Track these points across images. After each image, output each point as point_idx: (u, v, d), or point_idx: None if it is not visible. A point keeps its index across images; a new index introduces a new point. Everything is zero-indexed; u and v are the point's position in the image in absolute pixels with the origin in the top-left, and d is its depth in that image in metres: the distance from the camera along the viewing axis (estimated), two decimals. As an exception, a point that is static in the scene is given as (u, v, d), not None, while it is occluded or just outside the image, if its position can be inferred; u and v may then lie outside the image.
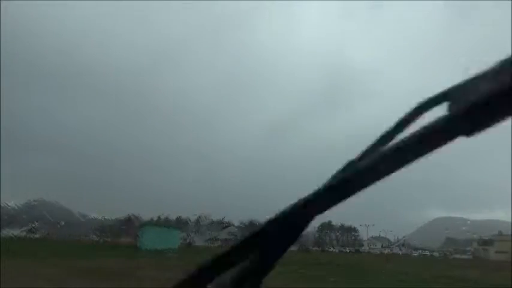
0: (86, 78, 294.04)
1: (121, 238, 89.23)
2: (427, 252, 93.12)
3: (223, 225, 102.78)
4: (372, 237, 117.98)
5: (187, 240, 74.83)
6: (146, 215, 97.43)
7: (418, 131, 0.33)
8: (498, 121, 0.32)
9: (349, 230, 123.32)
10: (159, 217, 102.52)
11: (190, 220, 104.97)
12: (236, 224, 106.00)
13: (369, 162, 0.38)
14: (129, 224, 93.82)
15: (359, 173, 0.40)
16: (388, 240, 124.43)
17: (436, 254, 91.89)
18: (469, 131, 0.33)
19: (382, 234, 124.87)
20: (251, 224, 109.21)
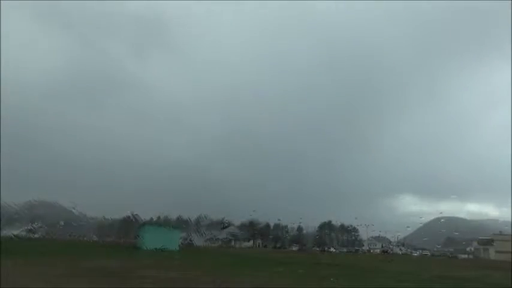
0: (81, 77, 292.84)
1: (121, 238, 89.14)
2: (427, 252, 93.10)
3: (223, 225, 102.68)
4: (372, 237, 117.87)
5: (187, 240, 74.76)
6: (146, 215, 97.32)
7: None
8: None
9: (349, 230, 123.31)
10: (159, 217, 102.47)
11: (190, 220, 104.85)
12: (236, 224, 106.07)
13: None
14: (129, 224, 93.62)
15: None
16: (388, 240, 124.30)
17: (436, 254, 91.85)
18: None
19: (382, 234, 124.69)
20: (251, 224, 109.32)
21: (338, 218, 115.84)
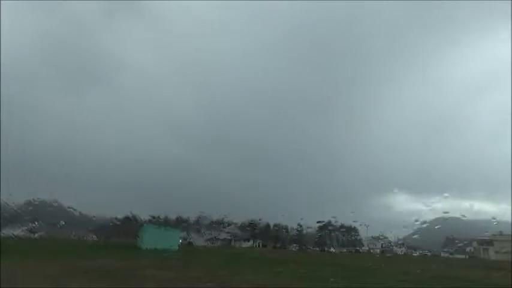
0: (88, 68, 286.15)
1: (121, 238, 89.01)
2: (427, 252, 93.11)
3: (223, 225, 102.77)
4: (372, 237, 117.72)
5: (187, 240, 74.88)
6: (146, 215, 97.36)
7: None
8: None
9: (349, 230, 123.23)
10: (159, 217, 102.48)
11: (190, 220, 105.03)
12: (236, 224, 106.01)
13: None
14: (129, 224, 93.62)
15: None
16: (388, 240, 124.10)
17: (436, 254, 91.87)
18: None
19: (382, 234, 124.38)
20: (251, 224, 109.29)
21: (337, 218, 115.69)
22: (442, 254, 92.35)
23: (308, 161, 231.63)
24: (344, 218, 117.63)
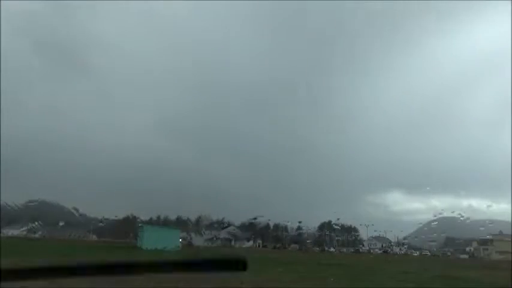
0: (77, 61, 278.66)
1: (121, 238, 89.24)
2: (427, 252, 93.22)
3: (223, 225, 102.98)
4: (372, 237, 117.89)
5: (187, 240, 74.96)
6: (146, 215, 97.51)
7: None
8: None
9: (349, 230, 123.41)
10: (159, 217, 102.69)
11: (190, 220, 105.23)
12: (236, 224, 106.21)
13: None
14: (129, 224, 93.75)
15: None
16: (388, 240, 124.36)
17: (436, 254, 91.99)
18: None
19: (382, 234, 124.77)
20: (251, 224, 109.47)
21: (337, 218, 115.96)
22: (442, 254, 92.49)
23: (308, 161, 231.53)
24: (344, 218, 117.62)
